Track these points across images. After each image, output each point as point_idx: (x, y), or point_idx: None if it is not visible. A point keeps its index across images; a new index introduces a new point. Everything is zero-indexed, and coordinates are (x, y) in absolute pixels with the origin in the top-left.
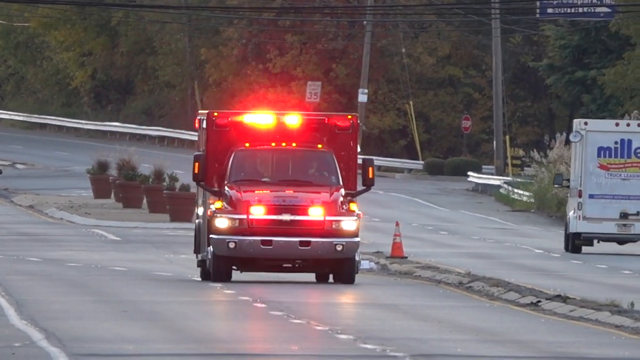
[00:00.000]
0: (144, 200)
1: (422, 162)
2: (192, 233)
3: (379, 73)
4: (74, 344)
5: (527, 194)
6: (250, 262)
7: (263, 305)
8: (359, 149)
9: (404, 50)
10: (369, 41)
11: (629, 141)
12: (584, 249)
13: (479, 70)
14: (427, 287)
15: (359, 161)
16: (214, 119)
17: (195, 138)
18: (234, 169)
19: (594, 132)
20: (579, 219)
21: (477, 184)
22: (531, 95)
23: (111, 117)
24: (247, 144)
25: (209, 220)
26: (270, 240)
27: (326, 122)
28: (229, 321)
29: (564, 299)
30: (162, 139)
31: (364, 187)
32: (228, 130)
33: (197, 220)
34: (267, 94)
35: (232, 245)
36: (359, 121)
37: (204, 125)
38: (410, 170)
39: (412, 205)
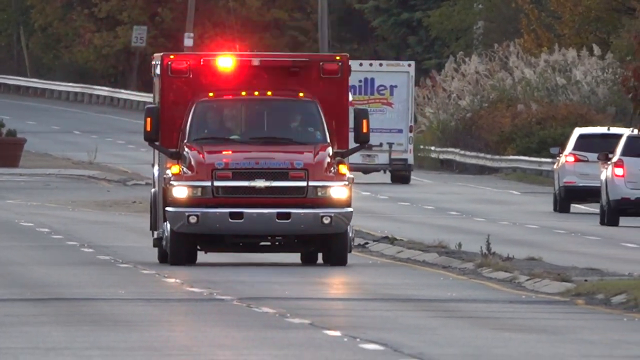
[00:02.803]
0: None
1: None
2: (19, 178)
3: (205, 17)
4: None
5: None
6: (217, 240)
7: (91, 250)
8: (350, 98)
9: None
10: None
11: (372, 79)
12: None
13: (304, 13)
14: None
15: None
16: (169, 63)
17: (17, 82)
18: (195, 125)
19: None
20: None
21: None
22: (357, 37)
23: None
24: (210, 94)
25: (164, 189)
26: (241, 213)
27: (309, 64)
28: (56, 266)
29: (391, 240)
30: None
31: (357, 145)
32: (187, 76)
33: (152, 190)
34: (93, 39)
35: (193, 219)
36: (349, 63)
37: (158, 72)
38: None
39: None
